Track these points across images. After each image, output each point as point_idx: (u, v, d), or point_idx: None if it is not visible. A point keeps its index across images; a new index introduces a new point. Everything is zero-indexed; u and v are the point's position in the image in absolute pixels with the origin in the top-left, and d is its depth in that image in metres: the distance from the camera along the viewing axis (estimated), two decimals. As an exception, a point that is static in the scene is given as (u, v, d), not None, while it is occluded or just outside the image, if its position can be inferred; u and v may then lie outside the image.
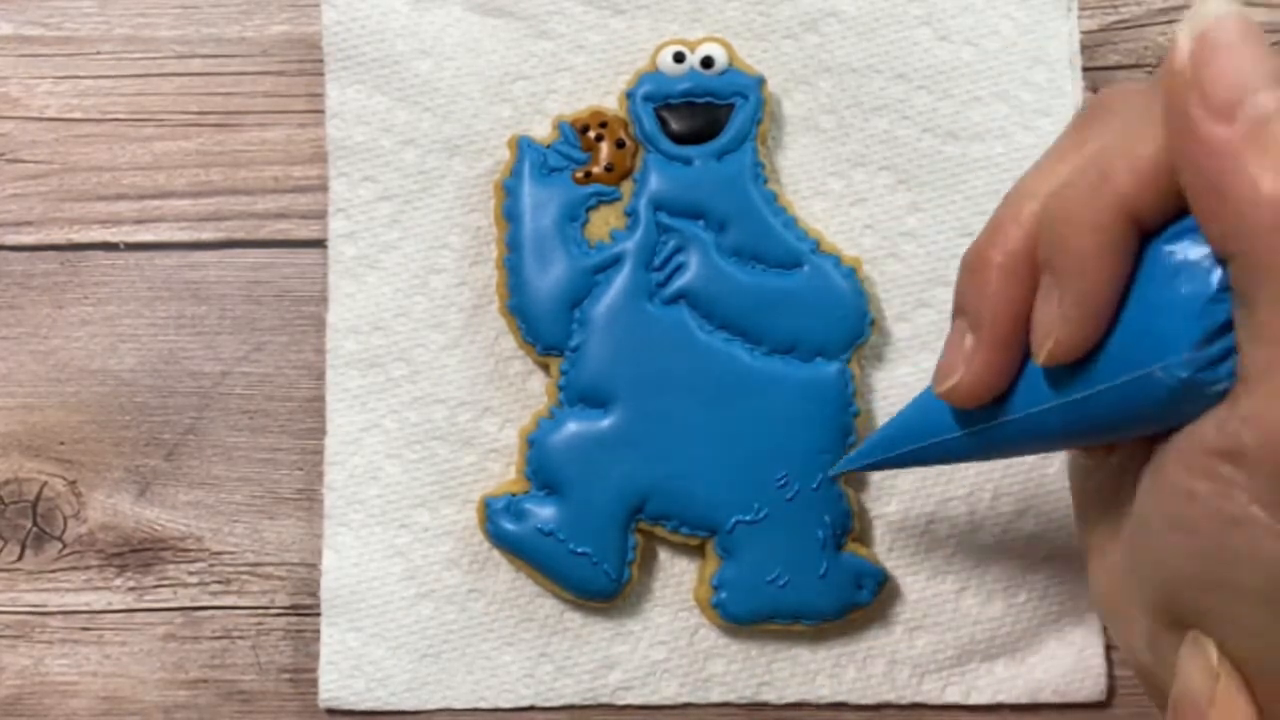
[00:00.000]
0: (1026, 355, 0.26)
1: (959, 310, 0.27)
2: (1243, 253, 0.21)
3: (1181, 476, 0.23)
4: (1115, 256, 0.23)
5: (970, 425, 0.28)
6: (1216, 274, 0.22)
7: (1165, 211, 0.23)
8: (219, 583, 0.36)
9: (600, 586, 0.34)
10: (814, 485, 0.34)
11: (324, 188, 0.37)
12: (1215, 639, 0.24)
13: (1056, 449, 0.29)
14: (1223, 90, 0.21)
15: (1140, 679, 0.27)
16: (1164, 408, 0.23)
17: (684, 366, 0.35)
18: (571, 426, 0.35)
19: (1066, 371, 0.25)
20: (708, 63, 0.35)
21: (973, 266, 0.26)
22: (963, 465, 0.36)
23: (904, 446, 0.30)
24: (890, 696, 0.35)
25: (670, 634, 0.36)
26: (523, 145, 0.35)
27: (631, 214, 0.35)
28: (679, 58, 0.35)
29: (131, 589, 0.36)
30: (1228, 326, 0.22)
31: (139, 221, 0.37)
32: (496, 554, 0.35)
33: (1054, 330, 0.24)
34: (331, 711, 0.36)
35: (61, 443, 0.37)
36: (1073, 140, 0.26)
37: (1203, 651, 0.24)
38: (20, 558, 0.36)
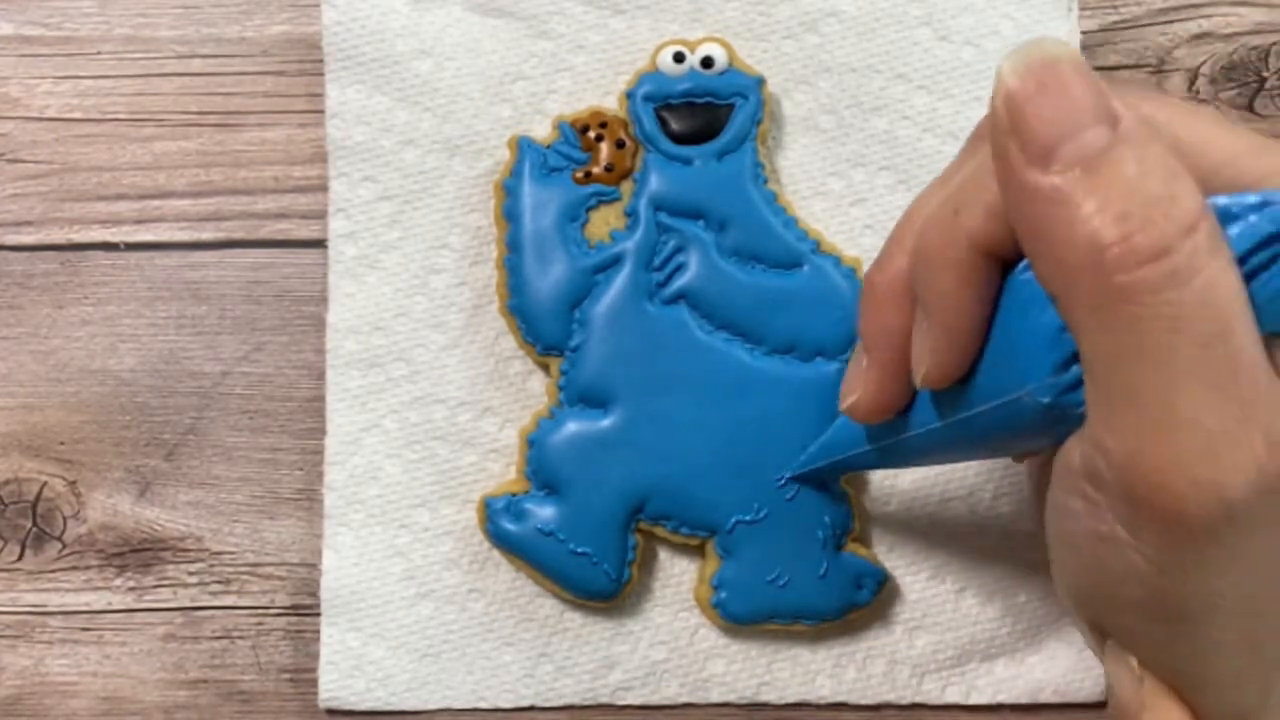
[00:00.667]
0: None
1: (860, 332, 0.28)
2: (1064, 293, 0.22)
3: (1061, 495, 0.24)
4: (972, 290, 0.24)
5: (875, 441, 0.30)
6: None
7: (1017, 243, 0.23)
8: (219, 583, 0.36)
9: (600, 586, 0.34)
10: (814, 485, 0.34)
11: (324, 188, 0.37)
12: (1127, 649, 0.25)
13: (957, 459, 0.30)
14: (1041, 135, 0.22)
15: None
16: (1038, 428, 0.24)
17: (684, 366, 0.35)
18: (571, 426, 0.35)
19: (948, 394, 0.26)
20: (708, 63, 0.35)
21: (865, 290, 0.27)
22: (962, 465, 0.36)
23: (831, 457, 0.32)
24: (890, 696, 0.35)
25: (670, 634, 0.36)
26: (523, 145, 0.35)
27: (631, 214, 0.35)
28: (679, 58, 0.35)
29: (131, 589, 0.36)
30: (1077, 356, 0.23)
31: (139, 221, 0.37)
32: (496, 554, 0.35)
33: (927, 356, 0.25)
34: (331, 711, 0.36)
35: (61, 443, 0.37)
36: (952, 167, 0.27)
37: (1124, 660, 0.25)
38: (20, 558, 0.36)
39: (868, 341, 0.28)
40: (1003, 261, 0.24)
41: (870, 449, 0.30)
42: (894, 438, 0.29)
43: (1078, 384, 0.23)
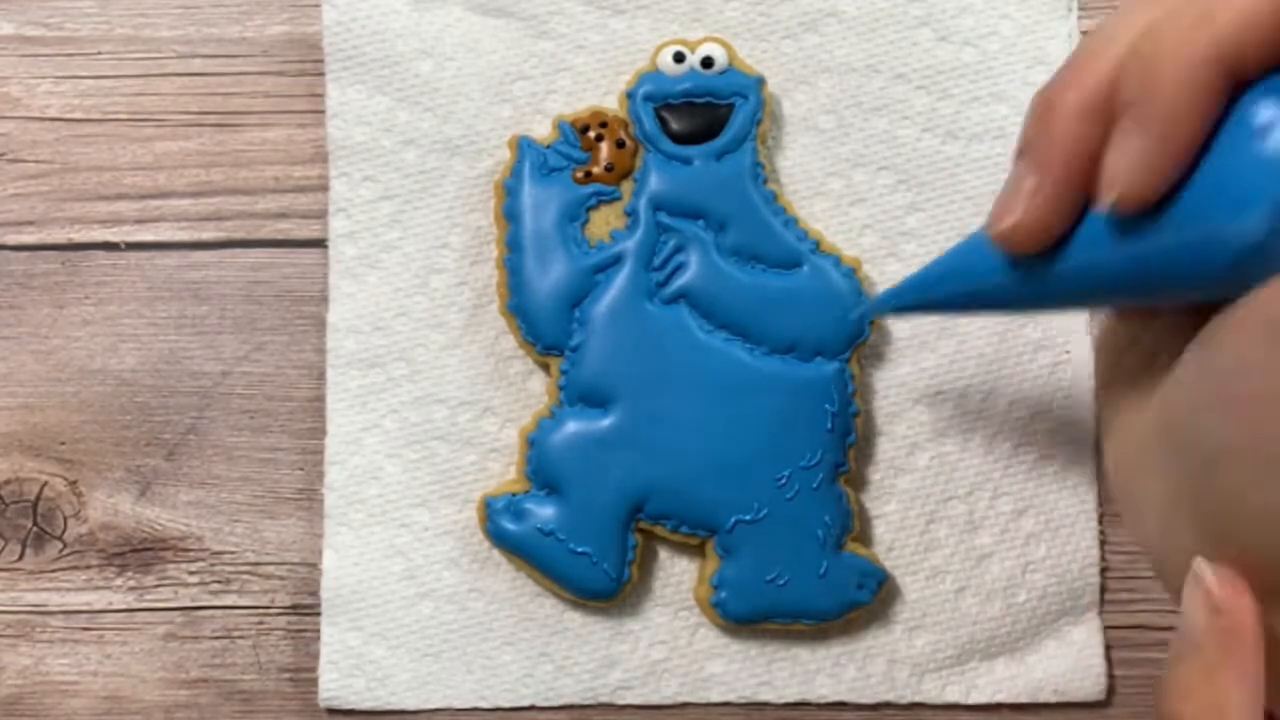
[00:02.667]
0: (1087, 206, 0.24)
1: (1024, 152, 0.25)
2: None
3: (1237, 346, 0.22)
4: (1206, 101, 0.22)
5: (1018, 270, 0.26)
6: None
7: (1263, 62, 0.22)
8: (219, 582, 0.36)
9: (600, 586, 0.34)
10: (814, 485, 0.34)
11: (324, 188, 0.37)
12: (1240, 538, 0.22)
13: (1102, 304, 0.27)
14: None
15: (1152, 564, 0.26)
16: (1227, 270, 0.22)
17: (684, 366, 0.35)
18: (572, 426, 0.35)
19: (1130, 222, 0.23)
20: (708, 63, 0.35)
21: (1045, 106, 0.24)
22: (962, 464, 0.36)
23: (944, 288, 0.28)
24: (890, 696, 0.36)
25: (670, 634, 0.36)
26: (523, 145, 0.35)
27: (631, 214, 0.35)
28: (679, 58, 0.35)
29: (132, 589, 0.36)
30: None
31: (139, 221, 0.37)
32: (496, 554, 0.35)
33: (1128, 174, 0.23)
34: (332, 711, 0.36)
35: (62, 442, 0.37)
36: None
37: (1202, 586, 0.23)
38: (21, 557, 0.36)
39: (1040, 158, 0.24)
40: (1238, 80, 0.22)
41: (1008, 278, 0.26)
42: (1044, 267, 0.25)
43: None
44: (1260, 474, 0.21)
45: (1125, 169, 0.23)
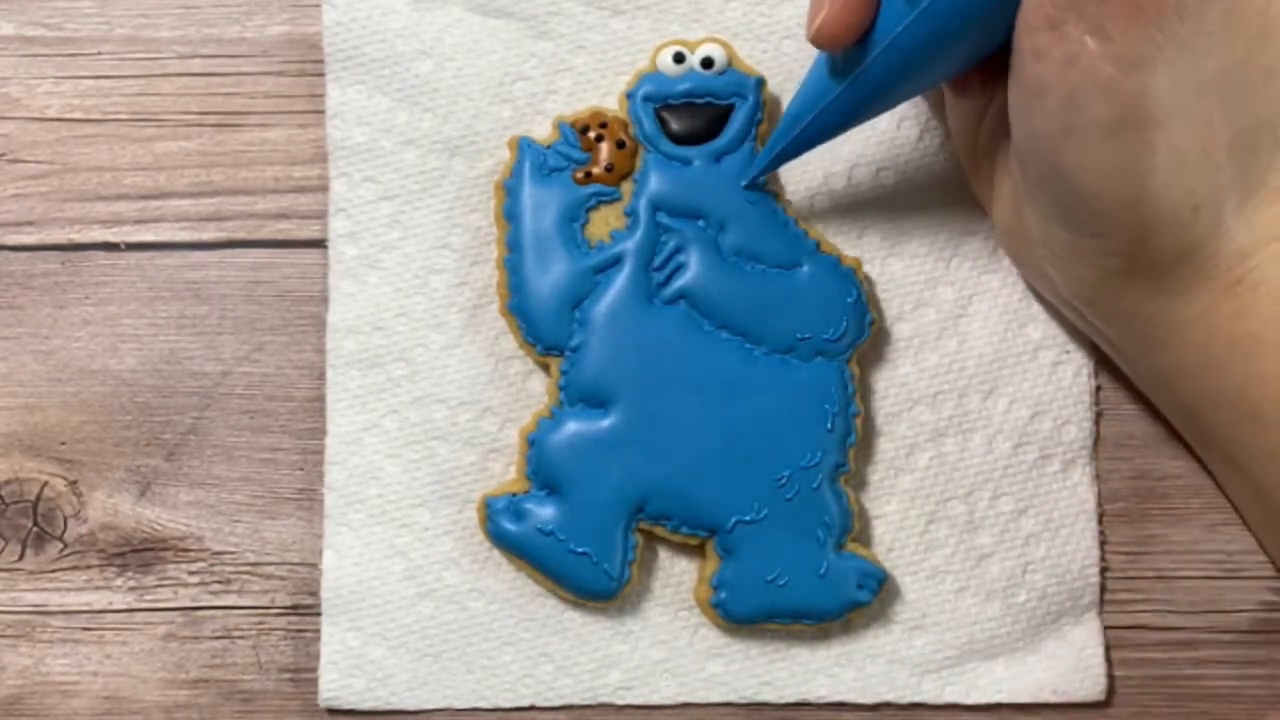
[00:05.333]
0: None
1: None
2: None
3: (1024, 43, 0.27)
4: None
5: (846, 74, 0.30)
6: None
7: None
8: (219, 582, 0.36)
9: (600, 586, 0.34)
10: (814, 485, 0.34)
11: (324, 188, 0.37)
12: (1083, 185, 0.28)
13: (930, 79, 0.31)
14: None
15: (1042, 288, 0.33)
16: None
17: (684, 366, 0.35)
18: (572, 426, 0.35)
19: None
20: (708, 63, 0.35)
21: None
22: (962, 464, 0.36)
23: (801, 124, 0.32)
24: (890, 696, 0.36)
25: (670, 634, 0.36)
26: (523, 145, 0.35)
27: (631, 214, 0.35)
28: (679, 58, 0.35)
29: (132, 589, 0.36)
30: None
31: (140, 221, 0.37)
32: (496, 554, 0.35)
33: None
34: (332, 711, 0.36)
35: (62, 443, 0.37)
36: None
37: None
38: (21, 558, 0.36)
39: None
40: None
41: (842, 87, 0.30)
42: (863, 62, 0.29)
43: None
44: (1071, 140, 0.27)
45: None
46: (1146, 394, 0.35)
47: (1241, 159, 0.28)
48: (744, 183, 0.35)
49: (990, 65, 0.30)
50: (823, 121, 0.32)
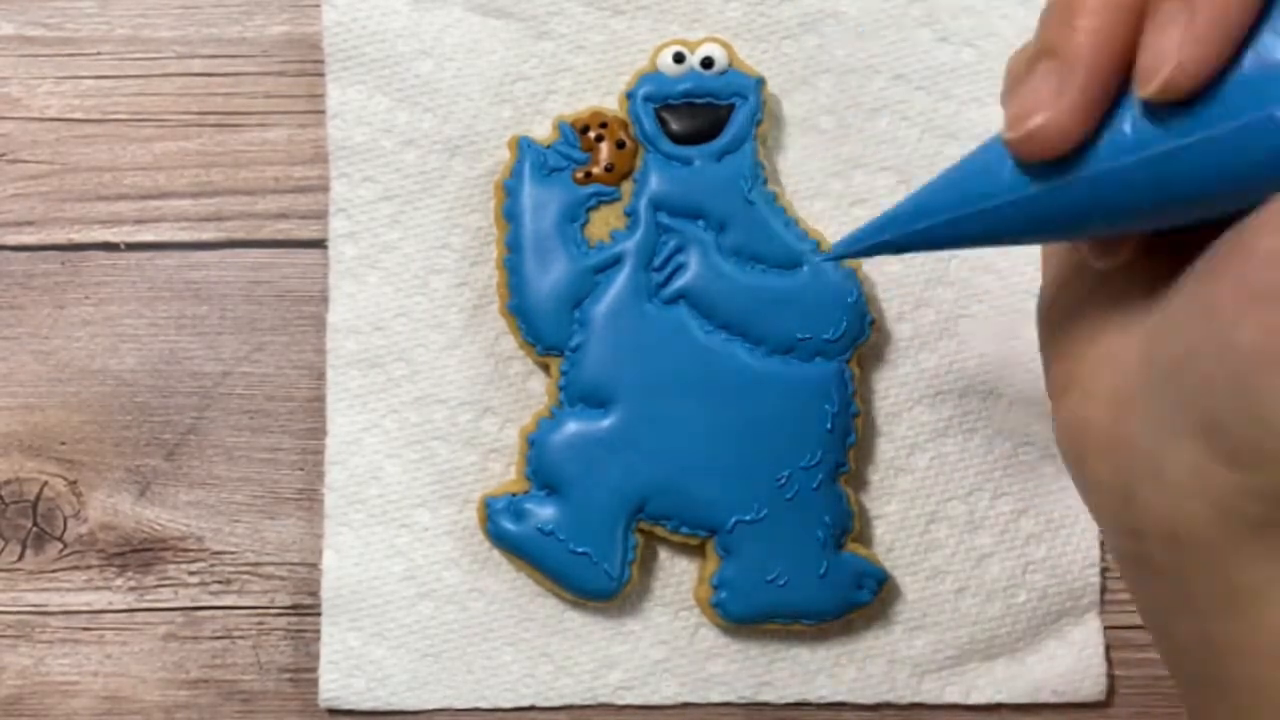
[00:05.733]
0: (1112, 110, 0.22)
1: (1044, 54, 0.23)
2: None
3: (1268, 239, 0.21)
4: None
5: (1039, 181, 0.23)
6: None
7: None
8: (219, 583, 0.36)
9: (600, 586, 0.34)
10: (814, 485, 0.34)
11: (325, 188, 0.37)
12: (1262, 414, 0.22)
13: (1121, 223, 0.24)
14: None
15: (1103, 499, 0.25)
16: (1270, 162, 0.20)
17: (684, 366, 0.35)
18: (572, 426, 0.35)
19: (1166, 115, 0.22)
20: (708, 63, 0.35)
21: (1065, 3, 0.23)
22: (962, 464, 0.36)
23: (946, 213, 0.25)
24: (890, 696, 0.36)
25: (670, 634, 0.36)
26: (523, 145, 0.35)
27: (631, 214, 0.35)
28: (679, 58, 0.35)
29: (132, 589, 0.36)
30: None
31: (139, 221, 0.37)
32: (497, 554, 0.35)
33: (1176, 55, 0.21)
34: (332, 711, 0.36)
35: (62, 443, 0.37)
36: None
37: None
38: (21, 558, 0.36)
39: (1069, 57, 0.22)
40: None
41: (1026, 193, 0.23)
42: (1065, 177, 0.23)
43: None
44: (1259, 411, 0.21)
45: (1172, 51, 0.21)
46: (1167, 654, 0.27)
47: None
48: (827, 256, 0.31)
49: (1157, 236, 0.24)
50: (975, 224, 0.24)
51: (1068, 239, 0.25)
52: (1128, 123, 0.22)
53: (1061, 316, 0.27)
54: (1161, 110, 0.22)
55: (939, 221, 0.25)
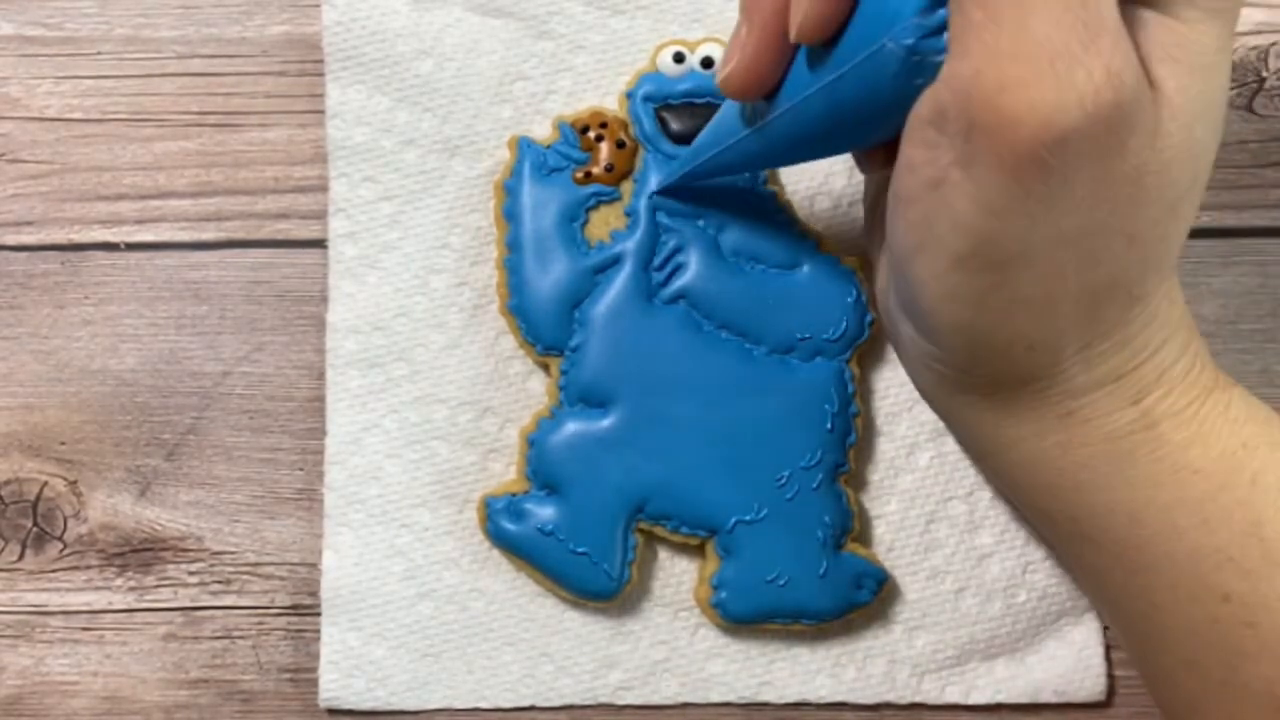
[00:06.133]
0: (794, 54, 0.28)
1: (740, 13, 0.29)
2: None
3: (904, 150, 0.26)
4: None
5: (751, 124, 0.30)
6: None
7: None
8: (219, 583, 0.36)
9: (600, 586, 0.34)
10: (814, 485, 0.34)
11: (324, 188, 0.37)
12: (939, 313, 0.27)
13: (829, 148, 0.30)
14: None
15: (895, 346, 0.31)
16: (897, 83, 0.25)
17: (684, 366, 0.35)
18: (571, 426, 0.35)
19: (820, 55, 0.27)
20: (708, 63, 0.35)
21: None
22: (963, 464, 0.36)
23: (706, 154, 0.32)
24: (890, 696, 0.36)
25: (670, 634, 0.36)
26: (523, 145, 0.35)
27: (631, 214, 0.35)
28: (679, 58, 0.35)
29: (132, 589, 0.36)
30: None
31: (139, 221, 0.37)
32: (496, 554, 0.35)
33: (801, 8, 0.26)
34: (332, 711, 0.36)
35: (62, 443, 0.37)
36: None
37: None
38: (21, 558, 0.36)
39: (750, 12, 0.28)
40: None
41: (745, 134, 0.30)
42: (767, 117, 0.29)
43: (941, 28, 0.24)
44: (921, 258, 0.26)
45: (804, 2, 0.26)
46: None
47: (1090, 311, 0.27)
48: (652, 190, 0.35)
49: (893, 147, 0.29)
50: (727, 159, 0.32)
51: (783, 165, 0.32)
52: (798, 68, 0.28)
53: (868, 231, 0.33)
54: (815, 54, 0.27)
55: (705, 159, 0.32)
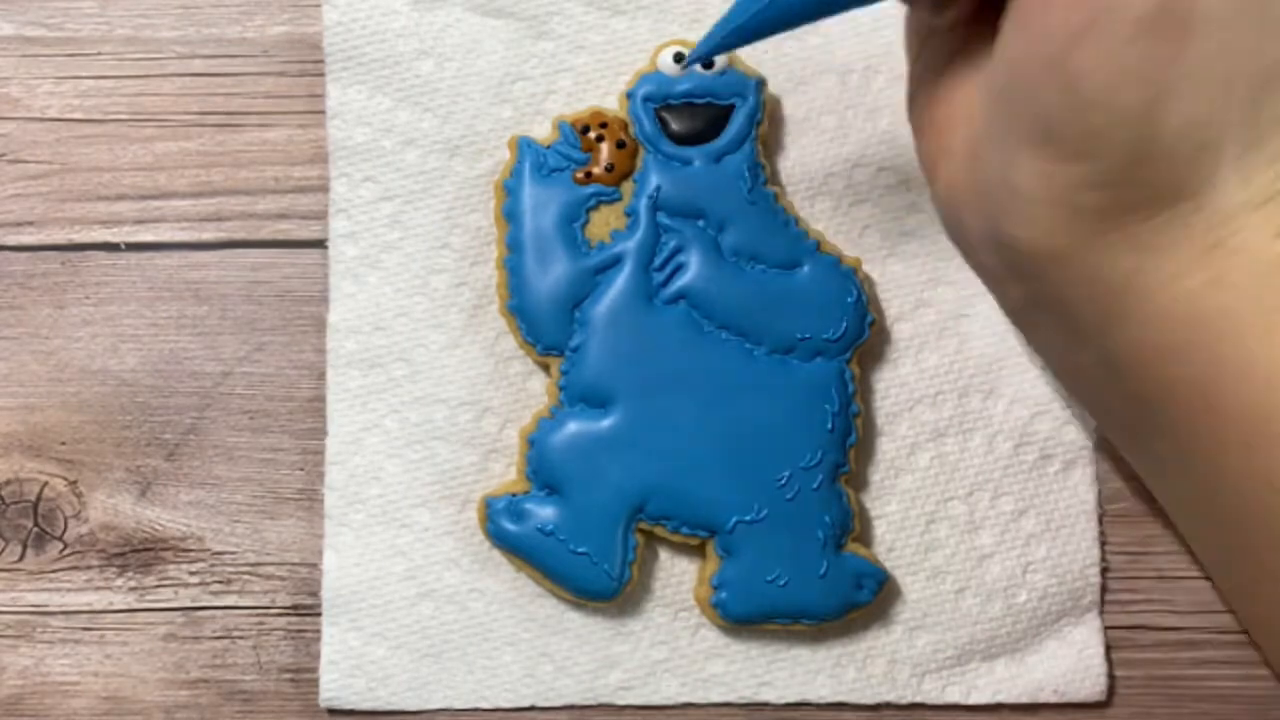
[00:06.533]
0: None
1: None
2: None
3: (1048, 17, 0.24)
4: None
5: None
6: None
7: None
8: (220, 583, 0.36)
9: (600, 586, 0.34)
10: (814, 485, 0.34)
11: (325, 188, 0.37)
12: (1078, 94, 0.25)
13: None
14: None
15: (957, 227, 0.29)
16: None
17: (684, 366, 0.35)
18: (572, 426, 0.35)
19: None
20: (708, 63, 0.35)
21: None
22: (962, 464, 0.36)
23: (753, 8, 0.29)
24: (890, 696, 0.36)
25: (670, 634, 0.36)
26: (523, 145, 0.35)
27: (631, 214, 0.35)
28: (679, 58, 0.35)
29: (132, 589, 0.36)
30: None
31: (140, 222, 0.37)
32: (497, 554, 0.36)
33: None
34: (332, 711, 0.36)
35: (62, 443, 0.37)
36: None
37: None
38: (21, 558, 0.36)
39: None
40: None
41: None
42: None
43: None
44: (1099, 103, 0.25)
45: None
46: (1079, 392, 0.32)
47: (1257, 101, 0.25)
48: (691, 56, 0.32)
49: None
50: (772, 13, 0.29)
51: (834, 11, 0.29)
52: None
53: (922, 96, 0.30)
54: None
55: (749, 14, 0.29)
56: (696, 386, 0.34)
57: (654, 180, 0.35)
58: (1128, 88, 0.25)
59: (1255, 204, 0.26)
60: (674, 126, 0.35)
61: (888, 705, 0.36)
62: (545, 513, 0.34)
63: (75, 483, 0.36)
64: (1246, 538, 0.27)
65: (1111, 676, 0.36)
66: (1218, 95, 0.25)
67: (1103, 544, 0.36)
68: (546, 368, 0.35)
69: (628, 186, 0.35)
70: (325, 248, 0.37)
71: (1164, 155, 0.25)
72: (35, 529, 0.36)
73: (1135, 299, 0.27)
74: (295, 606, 0.36)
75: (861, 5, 0.28)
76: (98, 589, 0.36)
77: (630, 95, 0.35)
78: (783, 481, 0.34)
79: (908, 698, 0.36)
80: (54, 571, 0.36)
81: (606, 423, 0.34)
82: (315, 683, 0.36)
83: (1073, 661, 0.36)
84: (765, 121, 0.35)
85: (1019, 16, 0.26)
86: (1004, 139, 0.27)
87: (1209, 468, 0.27)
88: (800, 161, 0.36)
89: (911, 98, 0.30)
